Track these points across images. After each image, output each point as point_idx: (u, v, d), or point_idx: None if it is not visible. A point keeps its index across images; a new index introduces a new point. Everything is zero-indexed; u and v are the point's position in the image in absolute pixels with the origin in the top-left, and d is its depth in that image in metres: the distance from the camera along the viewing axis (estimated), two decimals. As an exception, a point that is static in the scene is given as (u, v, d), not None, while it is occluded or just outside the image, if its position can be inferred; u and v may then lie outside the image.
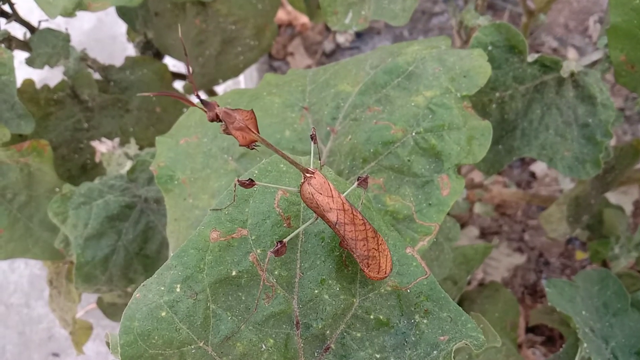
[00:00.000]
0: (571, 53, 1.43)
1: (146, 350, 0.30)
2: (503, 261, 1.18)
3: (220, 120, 0.29)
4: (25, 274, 1.24)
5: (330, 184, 0.33)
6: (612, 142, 1.29)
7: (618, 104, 1.35)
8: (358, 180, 0.34)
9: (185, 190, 0.50)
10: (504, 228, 1.24)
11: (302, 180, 0.33)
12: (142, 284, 0.31)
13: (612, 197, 1.16)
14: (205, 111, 0.29)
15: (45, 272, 1.22)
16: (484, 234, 1.20)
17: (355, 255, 0.34)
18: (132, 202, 0.69)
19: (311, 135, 0.35)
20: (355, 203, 0.36)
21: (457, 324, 0.32)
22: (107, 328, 1.13)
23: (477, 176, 1.14)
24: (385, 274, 0.35)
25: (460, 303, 0.67)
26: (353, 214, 0.33)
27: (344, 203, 0.33)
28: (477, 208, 1.15)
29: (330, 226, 0.33)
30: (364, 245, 0.34)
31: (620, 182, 0.92)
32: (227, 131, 0.29)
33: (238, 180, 0.32)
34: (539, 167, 1.28)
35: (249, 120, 0.30)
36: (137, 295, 0.31)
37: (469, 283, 1.09)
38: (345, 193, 0.34)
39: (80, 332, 0.91)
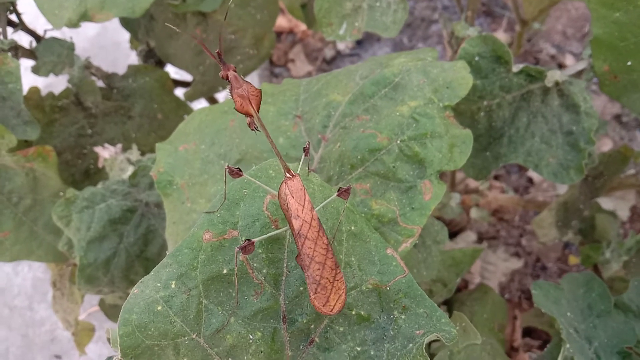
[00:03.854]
0: (569, 59, 1.45)
1: (143, 340, 0.32)
2: (500, 266, 1.19)
3: (228, 80, 0.32)
4: (28, 277, 1.25)
5: (305, 194, 0.34)
6: (609, 148, 1.30)
7: (615, 110, 1.36)
8: (339, 191, 0.36)
9: (183, 194, 0.52)
10: (501, 233, 1.25)
11: (283, 180, 0.34)
12: (140, 281, 0.34)
13: (608, 202, 1.17)
14: (221, 66, 0.32)
15: (49, 275, 1.23)
16: (482, 239, 1.22)
17: (306, 274, 0.34)
18: (133, 206, 0.71)
19: (304, 147, 0.37)
20: (336, 213, 0.38)
21: (432, 319, 0.34)
22: (109, 330, 1.15)
23: (473, 182, 1.15)
24: (331, 310, 0.34)
25: (450, 305, 0.69)
26: (318, 234, 0.34)
27: (312, 218, 0.34)
28: (474, 213, 1.17)
29: (293, 235, 0.34)
30: (319, 269, 0.34)
31: (611, 187, 0.93)
32: (230, 93, 0.32)
33: (228, 167, 0.34)
34: (536, 173, 1.29)
35: (253, 95, 0.32)
36: (135, 290, 0.33)
37: (466, 287, 1.10)
38: (325, 202, 0.36)
39: (83, 334, 0.93)
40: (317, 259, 0.34)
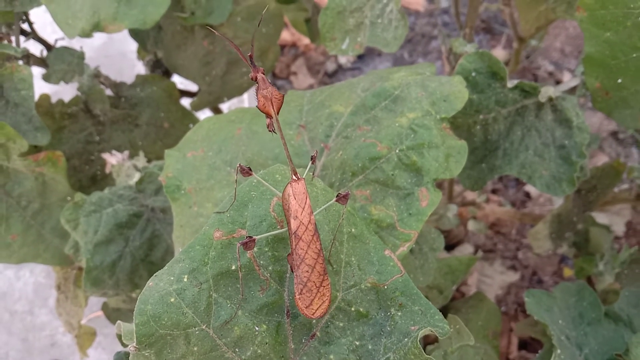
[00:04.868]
0: (566, 77, 1.47)
1: (157, 330, 0.35)
2: (497, 279, 1.21)
3: (256, 81, 0.35)
4: (30, 282, 1.26)
5: (307, 198, 0.36)
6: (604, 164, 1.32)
7: (612, 127, 1.38)
8: (337, 196, 0.38)
9: (191, 199, 0.54)
10: (498, 246, 1.26)
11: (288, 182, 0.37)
12: (154, 275, 0.36)
13: (604, 217, 1.19)
14: (251, 68, 0.35)
15: (50, 280, 1.24)
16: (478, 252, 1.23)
17: (294, 274, 0.36)
18: (139, 211, 0.73)
19: (312, 156, 0.40)
20: (337, 216, 0.40)
21: (426, 316, 0.37)
22: (109, 337, 1.16)
23: (471, 194, 1.17)
24: (312, 314, 0.36)
25: (445, 312, 0.71)
26: (312, 238, 0.36)
27: (309, 222, 0.36)
28: (471, 225, 1.18)
29: (289, 234, 0.36)
30: (307, 271, 0.36)
31: (605, 202, 0.95)
32: (256, 93, 0.35)
33: (239, 166, 0.37)
34: (533, 188, 1.30)
35: (276, 98, 0.35)
36: (150, 283, 0.35)
37: (462, 297, 1.12)
38: (325, 205, 0.39)
39: (85, 337, 0.94)
40: (308, 262, 0.36)
